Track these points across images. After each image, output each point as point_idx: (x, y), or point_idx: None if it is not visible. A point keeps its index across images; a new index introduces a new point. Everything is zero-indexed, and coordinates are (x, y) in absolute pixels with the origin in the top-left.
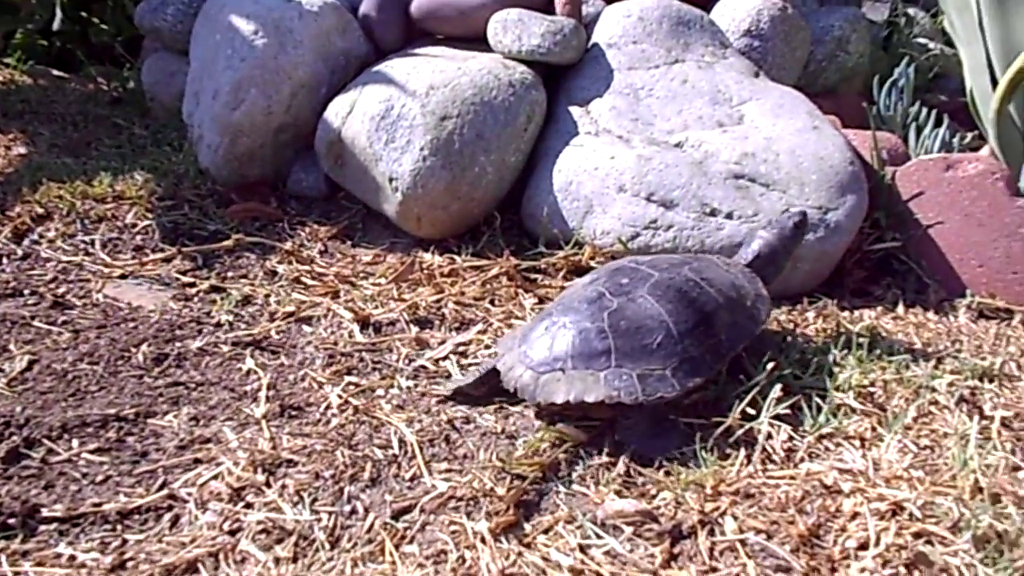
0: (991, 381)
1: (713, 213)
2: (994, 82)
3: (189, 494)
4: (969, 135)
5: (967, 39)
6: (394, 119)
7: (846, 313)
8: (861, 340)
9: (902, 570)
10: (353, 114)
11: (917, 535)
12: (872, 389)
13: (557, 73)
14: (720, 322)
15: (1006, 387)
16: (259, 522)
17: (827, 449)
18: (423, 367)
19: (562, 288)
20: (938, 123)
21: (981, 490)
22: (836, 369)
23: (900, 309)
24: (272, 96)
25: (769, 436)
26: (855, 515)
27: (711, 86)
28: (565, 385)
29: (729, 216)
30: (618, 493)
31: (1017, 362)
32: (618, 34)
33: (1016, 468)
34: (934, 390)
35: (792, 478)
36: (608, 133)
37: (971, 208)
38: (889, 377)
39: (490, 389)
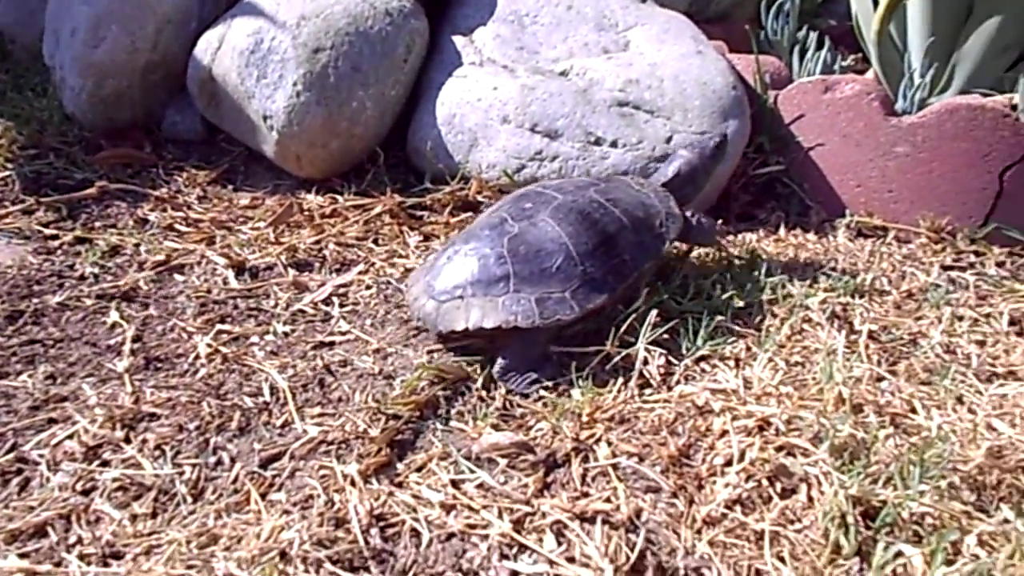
0: (862, 297)
1: (598, 142)
2: (876, 4)
3: (41, 456)
4: (851, 58)
5: None
6: (264, 53)
7: (730, 236)
8: (741, 263)
9: (764, 482)
10: (223, 49)
11: (780, 448)
12: (749, 310)
13: (441, 2)
14: (624, 242)
15: (876, 302)
16: (115, 479)
17: (703, 371)
18: (301, 311)
19: (447, 224)
20: (819, 46)
21: (844, 401)
22: (715, 292)
23: (782, 231)
24: (136, 32)
25: (646, 361)
26: (723, 433)
27: (596, 12)
28: (464, 312)
29: (614, 144)
30: (495, 427)
31: (888, 277)
32: None
33: (880, 378)
34: (808, 308)
35: (666, 401)
36: (493, 63)
37: (848, 129)
38: (766, 298)
39: None
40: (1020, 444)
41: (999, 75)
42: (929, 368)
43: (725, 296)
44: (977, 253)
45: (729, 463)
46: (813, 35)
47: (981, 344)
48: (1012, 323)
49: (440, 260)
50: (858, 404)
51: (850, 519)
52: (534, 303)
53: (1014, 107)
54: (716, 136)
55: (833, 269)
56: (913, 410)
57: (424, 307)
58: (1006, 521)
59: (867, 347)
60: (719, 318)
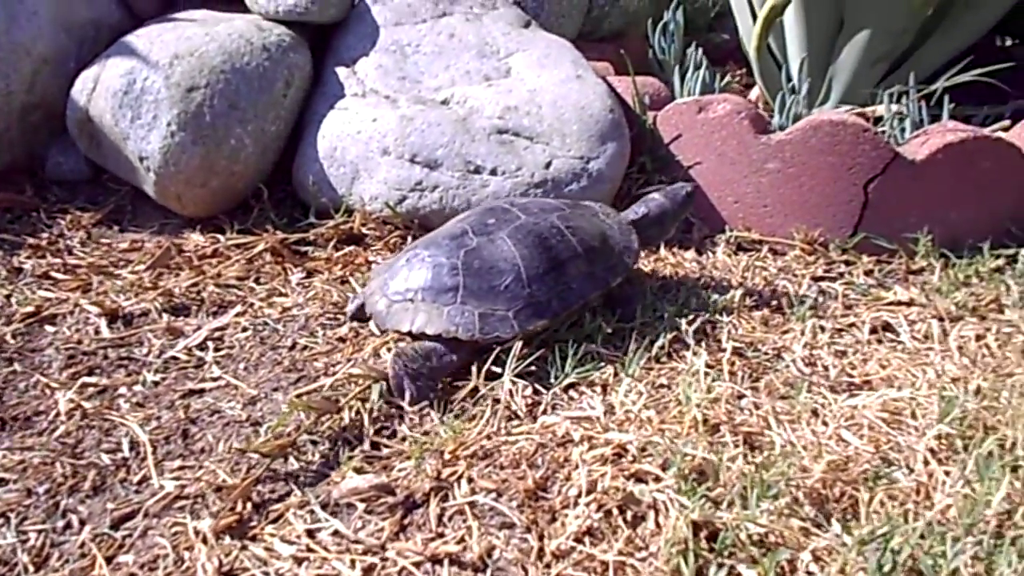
0: (731, 313)
1: (478, 170)
2: (756, 18)
3: None
4: (739, 73)
5: None
6: (137, 94)
7: None
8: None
9: (615, 512)
10: (97, 90)
11: (632, 476)
12: (621, 334)
13: (326, 33)
14: (574, 270)
15: (744, 318)
16: None
17: (570, 399)
18: (174, 358)
19: (330, 260)
20: (697, 66)
21: (701, 423)
22: (586, 318)
23: (662, 250)
24: (10, 75)
25: (511, 393)
26: (580, 463)
27: (479, 39)
28: (411, 315)
29: (494, 172)
30: (358, 470)
31: (760, 292)
32: None
33: (740, 396)
34: (677, 329)
35: (529, 433)
36: (375, 93)
37: (723, 147)
38: (637, 321)
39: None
40: (864, 455)
41: (873, 87)
42: (790, 382)
43: (596, 321)
44: (848, 263)
45: (583, 493)
46: (700, 53)
47: (842, 355)
48: (873, 331)
49: (399, 262)
50: (715, 424)
51: (692, 544)
52: (477, 317)
53: (879, 119)
54: (688, 187)
55: (707, 286)
56: (768, 427)
57: (376, 304)
58: (837, 536)
59: (732, 364)
60: (589, 344)
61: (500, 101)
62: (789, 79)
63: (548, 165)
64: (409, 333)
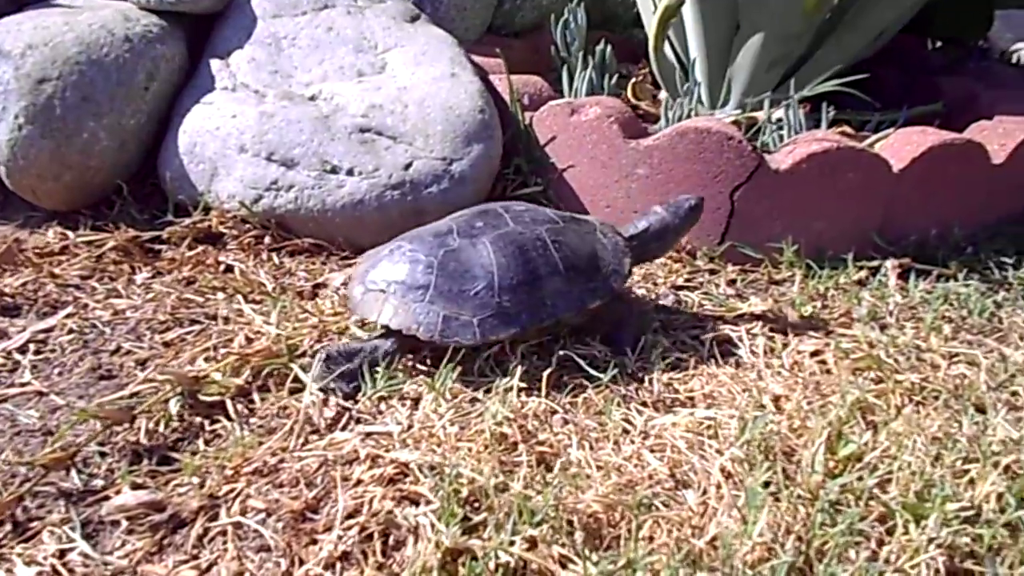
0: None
1: (334, 170)
2: None
3: None
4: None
5: None
6: None
7: None
8: None
9: (376, 535)
10: None
11: (405, 497)
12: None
13: (209, 24)
14: (551, 287)
15: (586, 329)
16: None
17: (379, 412)
18: None
19: (181, 259)
20: (586, 66)
21: (503, 440)
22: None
23: None
24: None
25: (314, 403)
26: (359, 482)
27: (357, 33)
28: (380, 306)
29: (350, 172)
30: (137, 485)
31: None
32: None
33: (553, 412)
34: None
35: (318, 449)
36: (245, 87)
37: (594, 151)
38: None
39: None
40: (658, 476)
41: (771, 91)
42: (610, 398)
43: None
44: (713, 271)
45: (351, 515)
46: (609, 50)
47: (673, 368)
48: (717, 344)
49: (383, 251)
50: (515, 442)
51: (439, 573)
52: (440, 319)
53: (754, 127)
54: (693, 199)
55: None
56: (570, 446)
57: (353, 291)
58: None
59: (558, 377)
60: (410, 355)
61: (366, 99)
62: (687, 79)
63: (408, 166)
64: (373, 324)
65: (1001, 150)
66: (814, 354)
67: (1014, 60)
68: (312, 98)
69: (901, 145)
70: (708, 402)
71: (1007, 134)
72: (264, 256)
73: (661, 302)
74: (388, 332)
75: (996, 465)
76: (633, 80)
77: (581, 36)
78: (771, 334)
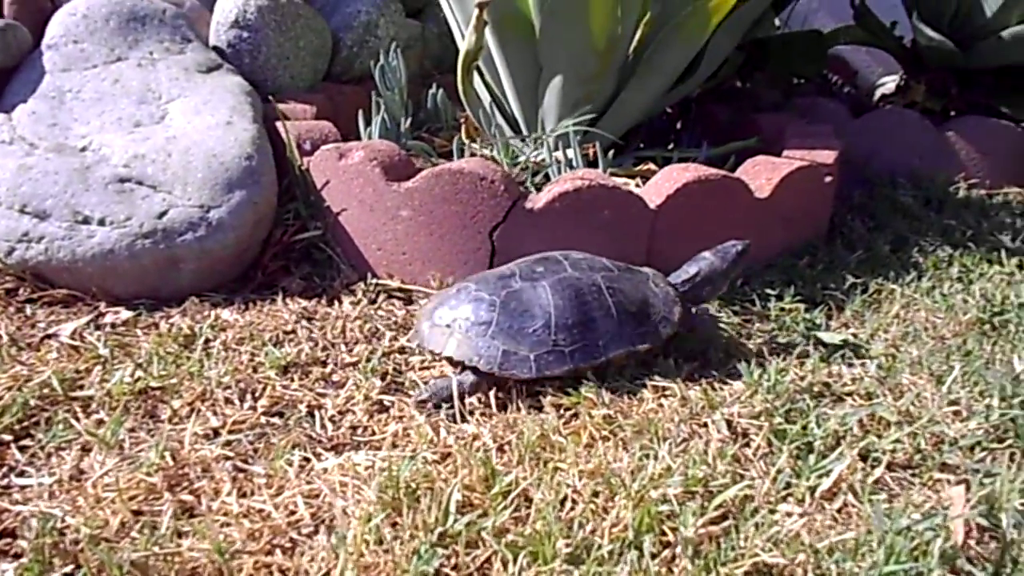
0: (287, 371)
1: (86, 220)
2: None
3: None
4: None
5: (453, 19)
6: None
7: (224, 311)
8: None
9: None
10: None
11: (3, 552)
12: (152, 392)
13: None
14: (603, 328)
15: (303, 373)
16: None
17: (44, 464)
18: None
19: None
20: (378, 111)
21: (153, 489)
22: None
23: (284, 300)
24: None
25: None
26: None
27: (142, 84)
28: (445, 340)
29: (101, 222)
30: None
31: (330, 343)
32: (60, 34)
33: (227, 458)
34: (209, 379)
35: None
36: (22, 140)
37: (362, 195)
38: (169, 373)
39: None
40: (302, 523)
41: (583, 131)
42: (296, 442)
43: (131, 376)
44: None
45: None
46: (440, 94)
47: (379, 410)
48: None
49: (451, 291)
50: (161, 491)
51: None
52: (500, 353)
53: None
54: (739, 244)
55: (274, 342)
56: (219, 493)
57: (421, 326)
58: None
59: (247, 424)
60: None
61: (131, 149)
62: (493, 122)
63: (163, 214)
64: (439, 355)
65: (767, 184)
66: (536, 393)
67: (877, 95)
68: (83, 149)
69: (662, 181)
70: (393, 443)
71: (774, 168)
72: (13, 308)
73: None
74: (462, 368)
75: (642, 498)
76: (463, 122)
77: (399, 81)
78: None
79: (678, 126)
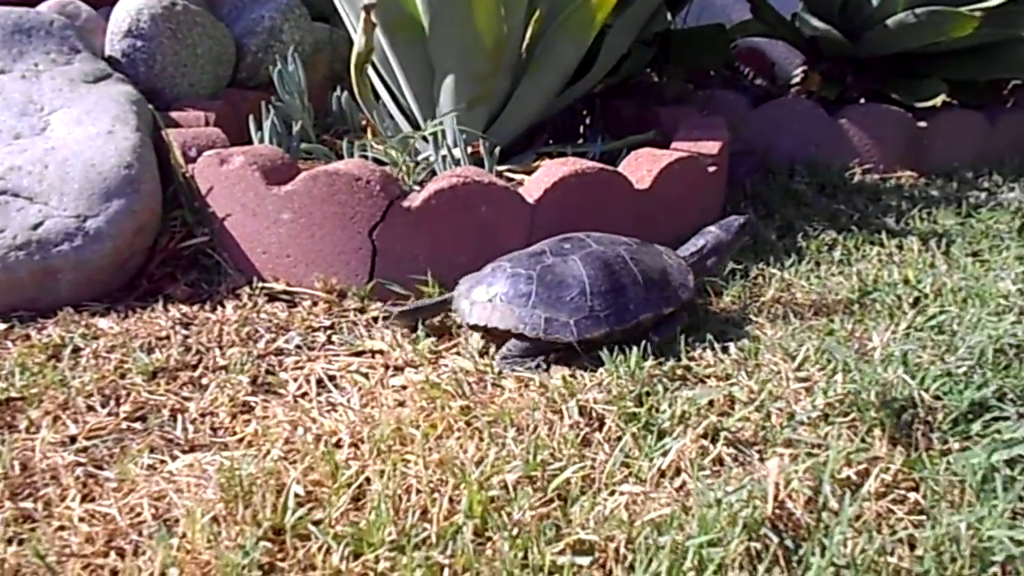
0: (154, 377)
1: None
2: None
3: None
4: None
5: (348, 21)
6: None
7: (102, 320)
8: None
9: None
10: None
11: None
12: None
13: None
14: (632, 294)
15: (171, 376)
16: None
17: None
18: None
19: None
20: (270, 115)
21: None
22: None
23: (163, 306)
24: None
25: None
26: None
27: (25, 97)
28: (489, 312)
29: None
30: None
31: (170, 351)
32: None
33: (78, 464)
34: (71, 388)
35: None
36: None
37: (244, 199)
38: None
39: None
40: (143, 522)
41: (481, 131)
42: (154, 445)
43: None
44: (360, 310)
45: None
46: (344, 97)
47: (244, 410)
48: (319, 383)
49: (485, 271)
50: (15, 493)
51: None
52: (543, 320)
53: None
54: (741, 219)
55: (142, 348)
56: (65, 498)
57: (461, 303)
58: None
59: (110, 428)
60: None
61: (7, 161)
62: (387, 121)
63: (38, 225)
64: (485, 327)
65: (648, 175)
66: (403, 387)
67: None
68: None
69: (541, 176)
70: (249, 442)
71: (655, 160)
72: None
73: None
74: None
75: (481, 486)
76: (366, 123)
77: (298, 85)
78: (371, 370)
79: (588, 121)
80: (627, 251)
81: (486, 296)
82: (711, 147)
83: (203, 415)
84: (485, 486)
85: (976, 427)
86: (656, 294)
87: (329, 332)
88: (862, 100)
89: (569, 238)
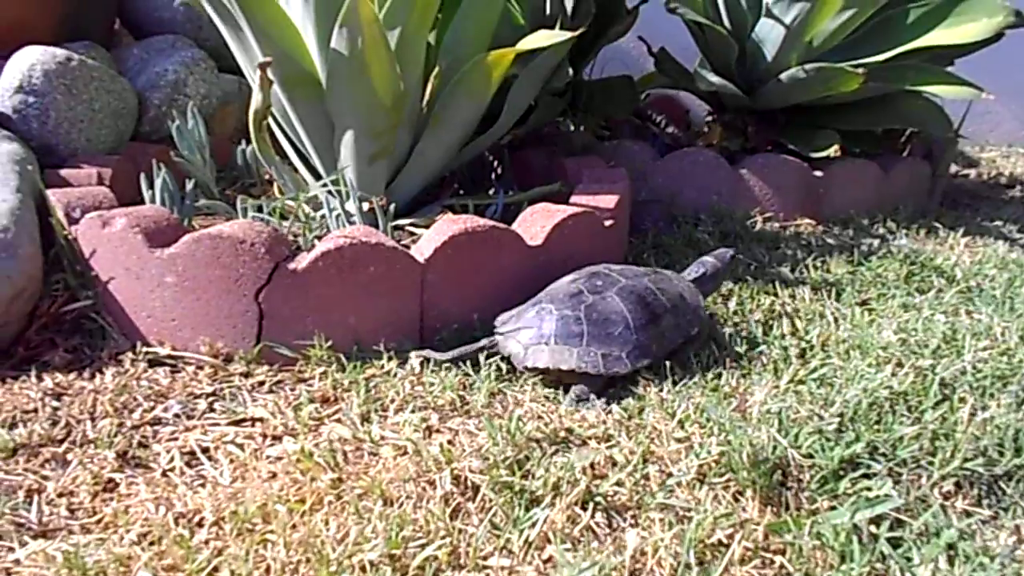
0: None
1: None
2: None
3: None
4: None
5: (248, 75)
6: None
7: None
8: None
9: None
10: None
11: None
12: None
13: None
14: (666, 322)
15: (28, 453)
16: None
17: None
18: None
19: None
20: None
21: None
22: None
23: (38, 376)
24: None
25: None
26: None
27: None
28: (547, 355)
29: None
30: None
31: (95, 419)
32: None
33: None
34: None
35: None
36: None
37: (127, 262)
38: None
39: None
40: None
41: (384, 187)
42: (3, 531)
43: None
44: (246, 375)
45: None
46: (250, 151)
47: (108, 489)
48: (190, 456)
49: (529, 313)
50: None
51: None
52: (600, 357)
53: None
54: (731, 250)
55: (31, 418)
56: None
57: (510, 347)
58: None
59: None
60: None
61: None
62: (281, 176)
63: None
64: (545, 370)
65: (541, 231)
66: (278, 459)
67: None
68: None
69: (432, 235)
70: (107, 524)
71: (549, 216)
72: None
73: None
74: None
75: (340, 566)
76: (269, 178)
77: (198, 141)
78: (247, 440)
79: (499, 171)
80: (651, 281)
81: (539, 339)
82: (609, 201)
83: (61, 495)
84: (343, 567)
85: (844, 485)
86: (683, 319)
87: (211, 399)
88: (767, 149)
89: (596, 273)
